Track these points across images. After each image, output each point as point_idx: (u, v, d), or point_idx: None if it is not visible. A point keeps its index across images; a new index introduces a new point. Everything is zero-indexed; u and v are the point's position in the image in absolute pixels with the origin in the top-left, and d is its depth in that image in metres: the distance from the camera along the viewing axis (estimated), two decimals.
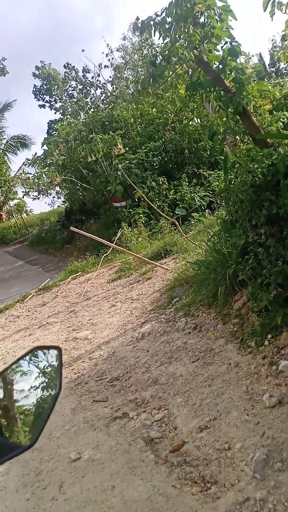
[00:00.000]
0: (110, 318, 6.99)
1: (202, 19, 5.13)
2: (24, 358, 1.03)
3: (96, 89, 22.99)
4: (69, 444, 3.69)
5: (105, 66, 21.32)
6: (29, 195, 17.44)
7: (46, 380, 1.01)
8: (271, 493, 2.42)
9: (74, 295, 9.53)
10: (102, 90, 22.16)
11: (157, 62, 5.39)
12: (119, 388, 4.48)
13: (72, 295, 9.64)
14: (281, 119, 8.17)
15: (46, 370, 1.04)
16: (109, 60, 21.18)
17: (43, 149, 17.46)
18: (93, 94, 23.36)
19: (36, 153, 17.19)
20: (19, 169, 32.20)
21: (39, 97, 29.51)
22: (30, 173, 20.11)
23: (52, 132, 22.75)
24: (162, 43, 5.75)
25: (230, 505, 2.45)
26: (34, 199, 17.57)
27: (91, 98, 23.28)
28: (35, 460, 3.60)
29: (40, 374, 1.02)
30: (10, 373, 1.03)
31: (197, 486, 2.68)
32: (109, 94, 20.11)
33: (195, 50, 5.16)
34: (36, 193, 17.20)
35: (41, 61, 30.16)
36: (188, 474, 2.82)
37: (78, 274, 11.47)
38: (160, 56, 5.50)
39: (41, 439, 3.29)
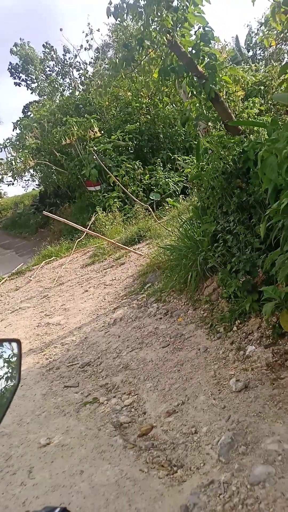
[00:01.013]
0: (83, 303, 6.99)
1: (175, 3, 5.06)
2: None
3: (73, 71, 22.54)
4: (39, 430, 3.71)
5: (84, 48, 20.89)
6: (2, 181, 17.10)
7: (5, 373, 1.01)
8: (235, 476, 2.49)
9: (48, 280, 9.49)
10: (80, 72, 21.73)
11: (130, 45, 5.32)
12: (90, 374, 4.51)
13: (45, 280, 9.59)
14: (255, 105, 8.20)
15: (5, 362, 1.04)
16: (87, 41, 20.72)
17: (16, 132, 17.09)
18: (70, 76, 22.89)
19: (7, 138, 16.76)
20: None
21: (15, 75, 28.67)
22: (2, 158, 19.73)
23: (28, 113, 22.25)
24: (136, 27, 5.67)
25: (195, 488, 2.51)
26: (8, 185, 17.27)
27: (69, 79, 22.81)
28: (4, 446, 3.61)
29: (3, 360, 1.03)
30: None
31: (164, 470, 2.73)
32: (85, 76, 19.74)
33: (168, 35, 5.10)
34: (10, 178, 16.89)
35: (20, 39, 29.32)
36: (155, 458, 2.88)
37: (51, 259, 11.41)
38: (133, 39, 5.42)
39: (11, 424, 3.30)
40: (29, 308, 7.78)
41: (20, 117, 22.74)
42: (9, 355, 1.05)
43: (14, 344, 1.06)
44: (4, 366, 1.04)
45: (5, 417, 2.88)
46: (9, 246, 17.81)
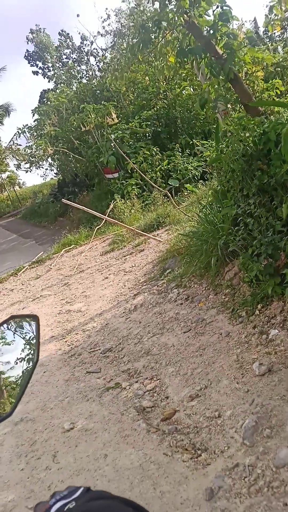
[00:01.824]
0: (103, 290, 7.00)
1: None
2: (1, 327, 1.01)
3: (90, 58, 22.38)
4: (63, 415, 3.74)
5: (101, 35, 20.70)
6: (20, 167, 17.19)
7: (23, 350, 1.00)
8: (260, 459, 2.46)
9: (68, 268, 9.53)
10: (98, 58, 21.55)
11: (146, 26, 5.23)
12: (112, 359, 4.52)
13: (65, 268, 9.63)
14: (276, 85, 8.01)
15: (23, 340, 1.02)
16: (104, 27, 20.53)
17: (34, 118, 17.09)
18: (87, 63, 22.75)
19: (26, 124, 16.79)
20: (10, 140, 31.72)
21: (32, 63, 28.60)
22: (21, 145, 19.80)
23: (45, 101, 22.20)
24: (153, 9, 5.58)
25: (219, 471, 2.50)
26: (26, 171, 17.35)
27: (86, 67, 22.67)
28: (29, 431, 3.66)
29: (17, 344, 1.01)
30: None
31: (188, 453, 2.73)
32: (102, 62, 19.59)
33: (185, 15, 5.00)
34: (27, 165, 16.96)
35: (36, 25, 29.20)
36: (179, 442, 2.87)
37: (71, 247, 11.45)
38: (150, 21, 5.33)
39: (35, 410, 3.34)
40: (50, 296, 7.84)
41: (38, 104, 22.72)
42: (27, 332, 1.04)
43: (32, 321, 1.04)
44: (22, 342, 1.02)
45: (29, 403, 2.93)
46: (29, 235, 17.95)
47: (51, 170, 21.16)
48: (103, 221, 11.08)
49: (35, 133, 16.36)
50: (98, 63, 21.16)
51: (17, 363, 0.98)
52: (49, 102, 17.28)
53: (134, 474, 2.68)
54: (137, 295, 6.07)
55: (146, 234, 8.80)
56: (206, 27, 5.26)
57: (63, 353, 5.11)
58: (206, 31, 5.23)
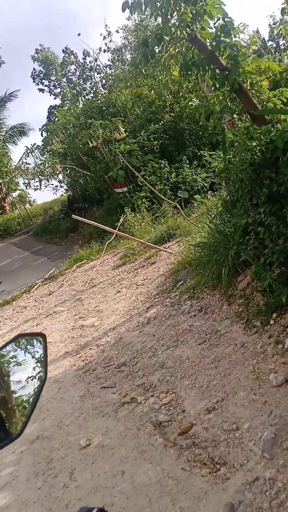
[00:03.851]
0: (115, 304, 6.98)
1: None
2: (8, 346, 1.01)
3: (94, 74, 22.65)
4: (79, 431, 3.71)
5: (103, 51, 20.96)
6: (30, 185, 17.37)
7: (31, 368, 0.99)
8: (280, 472, 2.41)
9: (80, 283, 9.54)
10: (102, 74, 21.82)
11: (149, 41, 5.28)
12: (127, 374, 4.49)
13: (77, 283, 9.64)
14: (284, 94, 7.98)
15: (31, 358, 1.01)
16: (106, 44, 20.82)
17: (43, 136, 17.30)
18: (92, 79, 23.02)
19: (35, 143, 17.00)
20: (20, 160, 32.16)
21: (37, 81, 29.12)
22: (30, 163, 20.03)
23: (52, 118, 22.48)
24: (155, 23, 5.64)
25: (239, 485, 2.45)
26: (35, 189, 17.51)
27: (90, 83, 22.94)
28: (45, 449, 3.63)
29: (25, 362, 1.00)
30: (2, 361, 1.01)
31: (207, 468, 2.68)
32: (107, 78, 19.81)
33: (187, 29, 5.05)
34: (37, 183, 17.13)
35: (40, 45, 29.71)
36: (197, 456, 2.83)
37: (83, 262, 11.47)
38: (152, 36, 5.39)
39: (51, 427, 3.32)
40: (63, 312, 7.84)
41: (46, 122, 23.01)
42: (34, 350, 1.03)
43: (39, 339, 1.03)
44: (30, 361, 1.01)
45: (45, 420, 2.91)
46: (40, 252, 18.04)
47: (61, 186, 21.34)
48: (114, 235, 11.11)
49: (43, 151, 16.54)
50: (102, 79, 21.42)
51: (25, 381, 0.97)
52: (56, 120, 17.49)
53: (152, 490, 2.64)
54: (150, 308, 6.04)
55: (157, 247, 8.80)
56: (209, 40, 5.30)
57: (77, 368, 5.09)
58: (209, 44, 5.27)
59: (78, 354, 5.52)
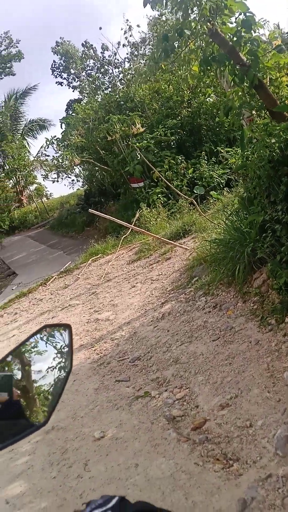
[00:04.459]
0: (130, 299, 7.02)
1: None
2: (34, 337, 1.03)
3: (114, 68, 22.56)
4: (93, 423, 3.76)
5: (123, 45, 20.84)
6: (48, 177, 17.46)
7: (57, 359, 1.02)
8: None
9: (95, 277, 9.60)
10: (120, 69, 21.76)
11: (169, 35, 5.27)
12: (141, 368, 4.52)
13: (93, 277, 9.71)
14: None
15: (56, 348, 1.04)
16: (126, 38, 20.67)
17: (62, 129, 17.36)
18: (111, 73, 22.96)
19: (55, 135, 17.09)
20: (38, 152, 32.40)
21: (57, 73, 29.23)
22: (48, 155, 20.16)
23: (71, 112, 22.53)
24: (175, 18, 5.62)
25: (252, 482, 2.47)
26: (53, 181, 17.58)
27: (109, 78, 22.89)
28: (60, 439, 3.69)
29: (50, 353, 1.03)
30: (20, 353, 1.04)
31: (219, 463, 2.70)
32: (125, 73, 19.75)
33: (208, 23, 5.02)
34: (55, 176, 17.23)
35: (60, 37, 29.82)
36: (210, 451, 2.85)
37: (98, 256, 11.53)
38: (172, 30, 5.37)
39: (65, 418, 3.37)
40: (78, 305, 7.91)
41: (65, 116, 23.09)
42: (60, 341, 1.05)
43: (64, 330, 1.06)
44: (55, 351, 1.04)
45: (60, 412, 2.96)
46: (57, 246, 18.18)
47: (78, 180, 21.41)
48: (130, 230, 11.13)
49: (61, 144, 16.61)
50: (120, 74, 21.36)
51: (50, 372, 1.00)
52: (75, 113, 17.53)
53: (165, 484, 2.67)
54: (164, 303, 6.07)
55: (173, 242, 8.80)
56: (229, 35, 5.27)
57: (92, 361, 5.15)
58: (229, 39, 5.23)
59: (93, 347, 5.57)
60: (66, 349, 1.01)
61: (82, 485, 2.99)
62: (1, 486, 3.33)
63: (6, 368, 1.01)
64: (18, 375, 1.01)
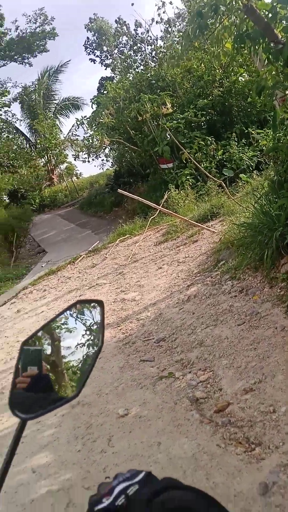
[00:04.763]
0: (157, 280, 7.05)
1: None
2: (66, 312, 1.06)
3: (146, 46, 22.21)
4: (117, 401, 3.84)
5: (156, 22, 20.43)
6: (78, 157, 17.54)
7: (88, 335, 1.04)
8: None
9: (122, 257, 9.67)
10: (152, 46, 21.41)
11: (203, 12, 5.15)
12: (166, 349, 4.56)
13: (120, 257, 9.78)
14: None
15: (88, 324, 1.06)
16: (159, 14, 20.25)
17: (93, 109, 17.35)
18: (143, 51, 22.62)
19: (85, 115, 17.09)
20: (69, 132, 32.49)
21: (90, 50, 29.03)
22: (78, 136, 20.21)
23: (103, 90, 22.41)
24: None
25: (274, 466, 2.49)
26: (83, 161, 17.65)
27: (141, 55, 22.58)
28: (85, 414, 3.78)
29: (82, 328, 1.05)
30: (53, 327, 1.07)
31: (242, 447, 2.73)
32: (158, 51, 19.42)
33: None
34: (85, 156, 17.29)
35: (94, 14, 29.55)
36: (232, 434, 2.88)
37: (126, 236, 11.59)
38: (207, 7, 5.24)
39: (91, 395, 3.44)
40: (105, 285, 7.99)
41: (96, 94, 22.97)
42: (92, 317, 1.07)
43: (97, 306, 1.08)
44: (87, 327, 1.06)
45: (85, 388, 3.02)
46: (85, 225, 18.33)
47: (107, 160, 21.42)
48: (157, 212, 11.12)
49: (92, 124, 16.60)
50: (153, 52, 21.01)
51: (80, 348, 1.02)
52: (106, 92, 17.44)
53: (187, 464, 2.72)
54: (190, 286, 6.07)
55: (200, 225, 8.76)
56: (265, 11, 5.11)
57: (117, 340, 5.22)
58: (264, 15, 5.08)
59: (118, 326, 5.65)
60: (98, 325, 1.03)
61: (106, 460, 3.07)
62: (28, 456, 3.45)
63: (37, 343, 1.04)
64: (48, 350, 1.04)
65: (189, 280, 6.37)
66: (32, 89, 33.38)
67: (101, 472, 2.93)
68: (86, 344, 1.03)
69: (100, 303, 1.06)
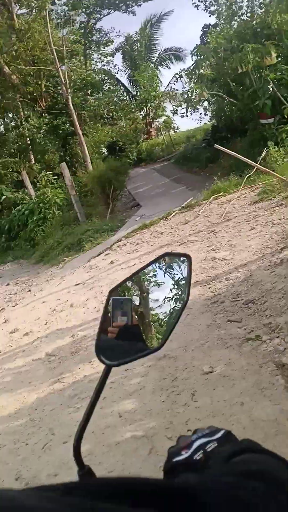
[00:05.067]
0: (249, 241, 6.92)
1: None
2: (154, 264, 1.07)
3: None
4: (203, 358, 3.93)
5: None
6: (177, 112, 17.27)
7: (175, 289, 1.05)
8: None
9: (215, 215, 9.55)
10: None
11: None
12: (254, 311, 4.53)
13: (213, 215, 9.67)
14: None
15: (175, 278, 1.07)
16: None
17: (193, 61, 16.78)
18: None
19: (184, 68, 16.64)
20: (168, 84, 31.95)
21: None
22: (177, 89, 19.83)
23: (205, 38, 21.46)
24: None
25: None
26: (182, 116, 17.36)
27: (247, 1, 21.20)
28: (171, 368, 3.93)
29: (169, 282, 1.06)
30: (140, 278, 1.09)
31: None
32: None
33: None
34: (183, 110, 16.98)
35: None
36: None
37: (220, 194, 11.37)
38: None
39: (177, 349, 3.56)
40: (197, 242, 8.00)
41: (197, 44, 22.14)
42: (179, 271, 1.07)
43: (184, 260, 1.07)
44: (175, 281, 1.06)
45: (172, 342, 3.12)
46: (180, 181, 18.24)
47: (206, 114, 20.81)
48: (254, 169, 10.73)
49: (192, 77, 16.13)
50: None
51: (166, 301, 1.04)
52: (208, 42, 16.75)
53: (269, 427, 2.76)
54: (284, 249, 5.89)
55: None
56: None
57: (206, 298, 5.27)
58: None
59: (207, 285, 5.68)
60: (185, 280, 1.03)
61: (188, 413, 3.20)
62: (115, 401, 3.69)
63: (126, 293, 1.08)
64: (136, 301, 1.06)
65: (282, 243, 6.17)
66: (134, 39, 32.98)
67: (183, 425, 3.06)
68: (173, 298, 1.03)
69: (188, 257, 1.04)
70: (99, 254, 10.48)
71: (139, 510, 0.36)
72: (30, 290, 10.10)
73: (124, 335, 0.96)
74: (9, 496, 0.34)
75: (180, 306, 0.99)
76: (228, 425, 2.85)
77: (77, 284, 8.48)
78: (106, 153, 28.72)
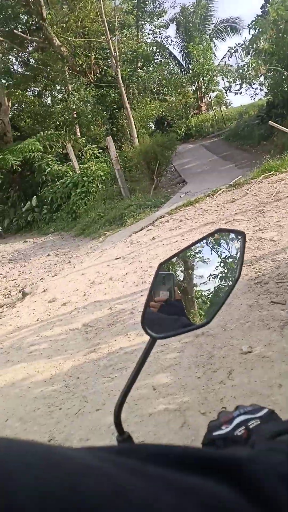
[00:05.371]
0: None
1: None
2: (204, 240, 1.03)
3: None
4: (242, 337, 3.84)
5: None
6: (230, 90, 16.76)
7: (223, 266, 1.01)
8: None
9: (264, 195, 9.26)
10: None
11: None
12: None
13: (262, 194, 9.38)
14: None
15: (224, 255, 1.03)
16: None
17: (251, 35, 16.13)
18: None
19: (239, 42, 15.99)
20: (222, 59, 30.97)
21: None
22: (231, 65, 19.20)
23: (266, 9, 20.58)
24: None
25: None
26: (235, 93, 16.84)
27: None
28: (208, 345, 3.87)
29: (217, 259, 1.02)
30: (188, 255, 1.06)
31: None
32: None
33: None
34: (237, 87, 16.45)
35: None
36: None
37: (271, 173, 11.01)
38: None
39: (216, 327, 3.48)
40: (243, 221, 7.80)
41: (256, 16, 21.25)
42: (233, 247, 1.03)
43: (238, 236, 1.03)
44: (223, 258, 1.02)
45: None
46: (229, 158, 17.82)
47: (261, 89, 20.07)
48: None
49: (248, 51, 15.52)
50: None
51: (214, 279, 1.00)
52: (267, 16, 16.01)
53: None
54: None
55: None
56: None
57: (249, 278, 5.13)
58: None
59: (252, 265, 5.53)
60: (237, 257, 0.99)
61: (224, 391, 3.13)
62: (150, 374, 3.67)
63: (170, 268, 1.04)
64: (180, 276, 1.04)
65: None
66: (190, 10, 32.00)
67: (218, 402, 3.00)
68: (218, 275, 1.00)
69: (242, 234, 1.00)
70: (141, 230, 10.43)
71: (207, 482, 0.31)
72: (69, 262, 10.23)
73: (166, 309, 0.94)
74: (79, 455, 0.31)
75: (229, 284, 0.97)
76: (265, 405, 2.77)
77: (117, 258, 8.49)
78: (153, 127, 28.39)
